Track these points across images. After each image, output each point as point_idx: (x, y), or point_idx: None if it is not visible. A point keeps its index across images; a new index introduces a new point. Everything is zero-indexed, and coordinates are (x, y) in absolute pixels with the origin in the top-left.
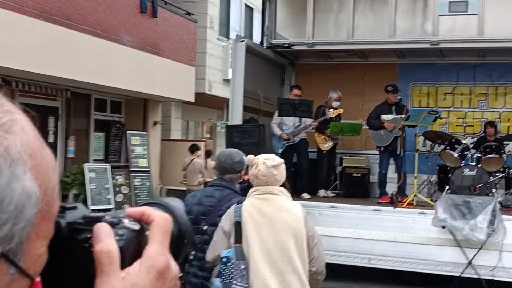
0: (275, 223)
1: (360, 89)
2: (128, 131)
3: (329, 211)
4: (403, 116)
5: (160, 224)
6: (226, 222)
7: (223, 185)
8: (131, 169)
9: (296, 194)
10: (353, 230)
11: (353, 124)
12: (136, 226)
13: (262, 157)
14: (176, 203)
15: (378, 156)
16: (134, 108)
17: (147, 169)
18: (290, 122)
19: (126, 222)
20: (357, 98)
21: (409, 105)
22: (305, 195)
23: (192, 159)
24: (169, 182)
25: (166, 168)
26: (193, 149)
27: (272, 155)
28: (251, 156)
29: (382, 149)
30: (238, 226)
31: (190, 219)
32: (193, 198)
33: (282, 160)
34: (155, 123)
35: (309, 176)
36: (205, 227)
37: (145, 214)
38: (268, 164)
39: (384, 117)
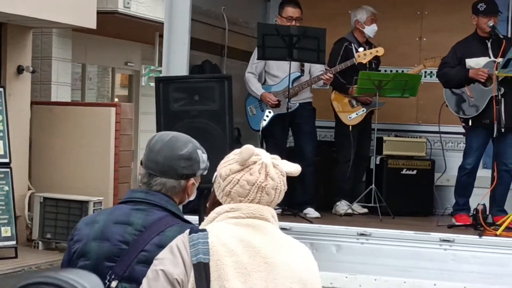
0: (275, 269)
1: (419, 8)
2: None
3: (356, 244)
4: (498, 60)
5: None
6: (174, 263)
7: (149, 202)
8: None
9: (291, 210)
10: (403, 280)
11: (404, 76)
12: None
13: (266, 154)
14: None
15: (460, 136)
16: None
17: (5, 162)
18: (282, 71)
19: None
20: (412, 26)
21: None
22: (310, 212)
23: None
24: (48, 184)
25: (41, 158)
26: None
27: (277, 156)
28: (250, 145)
29: (470, 122)
30: (202, 270)
31: (84, 267)
32: (91, 226)
33: (299, 167)
34: (20, 69)
35: (319, 175)
36: (113, 284)
37: None
38: (281, 169)
39: (473, 61)
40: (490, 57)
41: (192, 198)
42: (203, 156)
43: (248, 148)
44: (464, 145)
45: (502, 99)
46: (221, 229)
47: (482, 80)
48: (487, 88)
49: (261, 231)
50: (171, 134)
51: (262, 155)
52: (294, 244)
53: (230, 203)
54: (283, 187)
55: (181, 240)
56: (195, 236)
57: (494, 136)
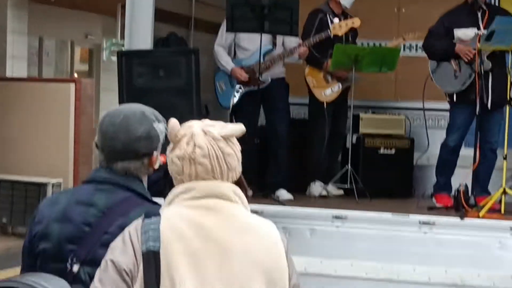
0: (231, 254)
1: None
2: None
3: (331, 227)
4: (481, 32)
5: None
6: (123, 252)
7: (112, 182)
8: None
9: (264, 192)
10: (381, 265)
11: (381, 49)
12: None
13: (198, 124)
14: None
15: (441, 113)
16: None
17: None
18: (253, 43)
19: None
20: None
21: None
22: (283, 194)
23: None
24: (2, 165)
25: None
26: None
27: (218, 122)
28: (174, 122)
29: (455, 98)
30: (151, 259)
31: (45, 250)
32: (52, 207)
33: (240, 126)
34: None
35: (292, 155)
36: (75, 268)
37: None
38: (213, 134)
39: (461, 32)
40: (479, 28)
41: (156, 166)
42: (160, 127)
43: (171, 123)
44: (446, 122)
45: (490, 74)
46: (173, 212)
47: (466, 61)
48: (474, 63)
49: (217, 211)
50: (121, 113)
51: (193, 125)
52: (259, 226)
53: (182, 183)
54: (218, 152)
55: (134, 227)
56: (147, 221)
57: (477, 113)
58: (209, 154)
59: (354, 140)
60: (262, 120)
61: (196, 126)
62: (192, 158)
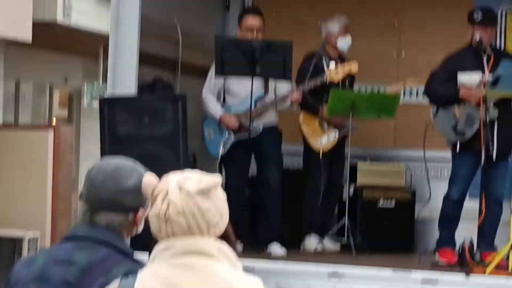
0: None
1: (397, 19)
2: None
3: (327, 285)
4: (486, 77)
5: None
6: None
7: (93, 238)
8: None
9: (255, 247)
10: None
11: (380, 95)
12: None
13: (175, 178)
14: None
15: (443, 163)
16: None
17: None
18: (243, 89)
19: None
20: (389, 39)
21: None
22: (275, 249)
23: None
24: None
25: None
26: None
27: (196, 173)
28: (149, 178)
29: (458, 147)
30: None
31: None
32: (29, 267)
33: (218, 180)
34: None
35: (285, 207)
36: None
37: None
38: (188, 189)
39: (465, 76)
40: (484, 72)
41: (140, 229)
42: None
43: (146, 179)
44: (449, 173)
45: (496, 123)
46: (149, 272)
47: (473, 104)
48: (477, 109)
49: (196, 270)
50: (113, 163)
51: (170, 180)
52: (242, 286)
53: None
54: (194, 209)
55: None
56: (123, 282)
57: (482, 163)
58: (184, 211)
59: (351, 192)
60: (253, 170)
61: (172, 181)
62: (166, 216)
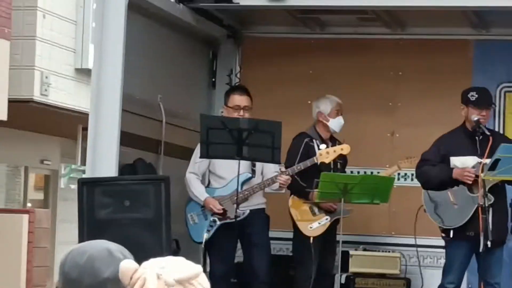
0: None
1: (390, 98)
2: None
3: None
4: (484, 161)
5: None
6: None
7: None
8: None
9: None
10: None
11: (373, 178)
12: None
13: (155, 265)
14: None
15: (440, 250)
16: None
17: None
18: (229, 171)
19: None
20: (383, 120)
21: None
22: None
23: None
24: None
25: None
26: None
27: (178, 260)
28: (125, 265)
29: (452, 234)
30: None
31: None
32: None
33: (199, 270)
34: None
35: None
36: None
37: None
38: (167, 279)
39: (458, 160)
40: (479, 156)
41: None
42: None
43: (123, 267)
44: (446, 259)
45: (490, 208)
46: None
47: (469, 183)
48: (475, 194)
49: None
50: (85, 252)
51: (147, 268)
52: None
53: None
54: None
55: None
56: None
57: (480, 251)
58: None
59: (343, 280)
60: (239, 256)
61: (151, 268)
62: None
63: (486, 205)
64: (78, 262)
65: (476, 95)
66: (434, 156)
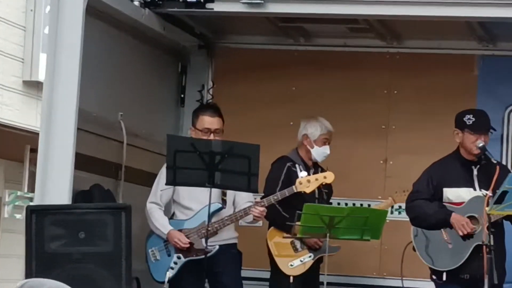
0: None
1: (383, 121)
2: None
3: None
4: (488, 192)
5: None
6: None
7: None
8: None
9: None
10: None
11: (363, 211)
12: None
13: None
14: None
15: None
16: None
17: None
18: (197, 201)
19: None
20: (375, 145)
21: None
22: None
23: None
24: None
25: None
26: None
27: None
28: None
29: (445, 276)
30: None
31: None
32: None
33: None
34: None
35: None
36: None
37: None
38: None
39: (452, 193)
40: (475, 189)
41: None
42: None
43: None
44: None
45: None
46: None
47: (461, 235)
48: (475, 233)
49: None
50: (44, 285)
51: None
52: None
53: None
54: None
55: None
56: None
57: None
58: None
59: None
60: None
61: None
62: None
63: (492, 243)
64: None
65: (473, 119)
66: (427, 188)
